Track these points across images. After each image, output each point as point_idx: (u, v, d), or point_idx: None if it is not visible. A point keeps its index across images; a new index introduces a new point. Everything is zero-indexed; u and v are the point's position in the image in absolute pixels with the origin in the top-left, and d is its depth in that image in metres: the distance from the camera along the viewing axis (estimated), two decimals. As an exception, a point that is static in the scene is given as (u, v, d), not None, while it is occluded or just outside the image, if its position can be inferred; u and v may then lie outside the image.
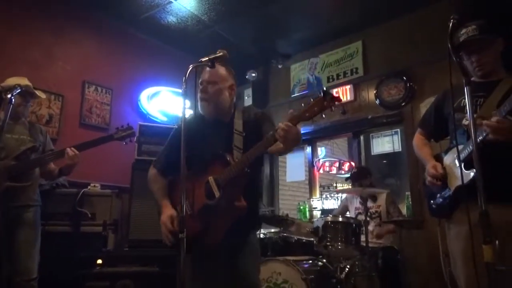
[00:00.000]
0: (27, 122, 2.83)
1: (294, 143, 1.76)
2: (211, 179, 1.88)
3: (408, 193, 4.51)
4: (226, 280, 1.95)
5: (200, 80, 2.07)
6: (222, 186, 1.85)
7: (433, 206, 2.09)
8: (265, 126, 2.06)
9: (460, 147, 1.87)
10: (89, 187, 3.60)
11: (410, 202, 4.41)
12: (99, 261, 3.26)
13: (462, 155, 1.85)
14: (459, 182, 1.81)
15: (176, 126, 2.27)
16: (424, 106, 4.34)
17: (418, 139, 2.28)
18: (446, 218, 2.03)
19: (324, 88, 1.67)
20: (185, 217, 1.60)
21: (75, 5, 4.42)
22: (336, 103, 1.69)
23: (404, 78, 4.52)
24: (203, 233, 1.87)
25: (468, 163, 1.78)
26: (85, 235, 3.36)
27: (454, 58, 1.44)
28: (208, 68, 2.01)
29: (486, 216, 1.25)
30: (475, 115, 1.74)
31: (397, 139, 4.90)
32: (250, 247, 2.01)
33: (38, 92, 2.88)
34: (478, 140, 1.70)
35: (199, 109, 2.07)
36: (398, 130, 4.86)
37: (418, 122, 2.43)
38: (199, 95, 2.04)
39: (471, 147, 1.77)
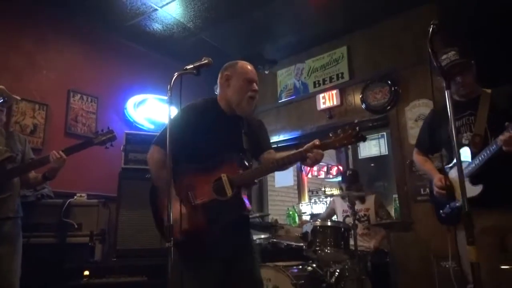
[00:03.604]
0: (3, 131, 2.74)
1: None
2: (224, 177, 1.89)
3: (395, 195, 4.55)
4: (229, 279, 1.93)
5: (249, 77, 2.08)
6: (236, 186, 1.88)
7: (442, 215, 2.31)
8: (263, 136, 2.22)
9: (465, 164, 2.11)
10: (75, 197, 3.54)
11: (398, 205, 4.45)
12: (86, 272, 3.21)
13: (468, 171, 2.10)
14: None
15: (182, 109, 2.05)
16: (409, 110, 4.41)
17: (418, 157, 2.52)
18: (455, 225, 2.20)
19: (357, 128, 1.78)
20: (172, 226, 1.60)
21: (58, 12, 4.37)
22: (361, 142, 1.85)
23: (389, 82, 4.57)
24: (205, 227, 1.88)
25: (474, 178, 2.06)
26: (72, 246, 3.29)
27: (434, 63, 1.47)
28: (250, 68, 2.11)
29: (468, 217, 1.27)
30: (471, 134, 2.13)
31: (383, 142, 4.96)
32: (252, 247, 2.06)
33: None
34: (489, 153, 2.00)
35: (245, 107, 2.05)
36: (384, 133, 4.92)
37: (415, 143, 2.65)
38: (253, 94, 2.05)
39: (476, 163, 2.06)
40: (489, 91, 2.21)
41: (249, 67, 2.13)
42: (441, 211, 2.32)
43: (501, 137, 1.92)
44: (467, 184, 2.05)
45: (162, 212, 1.93)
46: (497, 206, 1.97)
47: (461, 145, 2.16)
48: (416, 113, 4.35)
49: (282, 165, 1.94)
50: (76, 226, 3.34)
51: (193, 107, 2.07)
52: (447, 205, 2.26)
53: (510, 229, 1.99)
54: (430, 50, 1.46)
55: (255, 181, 2.02)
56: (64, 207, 3.34)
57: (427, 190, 4.07)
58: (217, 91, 2.16)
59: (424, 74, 4.08)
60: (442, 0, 4.19)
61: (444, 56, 2.22)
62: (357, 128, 1.76)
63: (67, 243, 3.28)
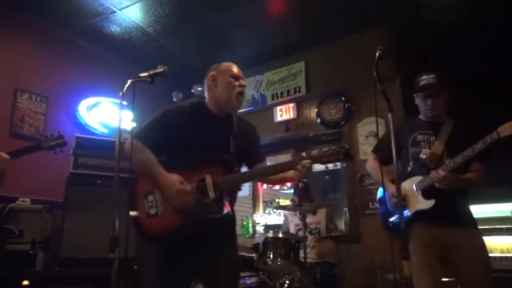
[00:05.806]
0: None
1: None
2: (208, 178, 1.84)
3: (345, 208, 4.69)
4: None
5: (235, 74, 2.08)
6: (220, 189, 1.84)
7: (390, 224, 2.41)
8: (255, 145, 2.21)
9: (420, 177, 2.25)
10: (17, 201, 3.36)
11: (348, 217, 4.60)
12: (25, 282, 3.04)
13: (422, 185, 2.23)
14: (417, 207, 2.22)
15: (169, 109, 2.05)
16: (361, 127, 4.59)
17: (373, 163, 2.55)
18: (400, 235, 2.29)
19: (346, 146, 1.90)
20: (117, 236, 1.56)
21: (6, 4, 4.13)
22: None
23: (343, 98, 4.74)
24: (182, 227, 1.82)
25: (426, 193, 2.19)
26: (11, 254, 3.12)
27: (379, 87, 1.57)
28: (235, 65, 2.11)
29: (405, 234, 1.35)
30: (429, 151, 2.25)
31: (336, 156, 5.10)
32: (233, 263, 1.99)
33: None
34: (430, 181, 2.17)
35: (235, 103, 2.04)
36: (338, 148, 5.07)
37: (373, 148, 2.70)
38: (241, 89, 2.05)
39: (429, 179, 2.18)
40: (453, 121, 2.34)
41: (234, 65, 2.14)
42: (389, 219, 2.41)
43: (436, 174, 2.12)
44: (420, 197, 2.21)
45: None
46: (443, 222, 2.13)
47: (419, 160, 2.29)
48: (367, 129, 4.54)
49: (269, 172, 1.95)
50: (17, 233, 3.17)
51: (180, 109, 2.05)
52: (396, 215, 2.34)
53: (452, 244, 2.12)
54: (375, 74, 1.55)
55: (240, 186, 2.02)
56: (4, 212, 3.17)
57: (376, 204, 4.28)
58: (205, 95, 2.13)
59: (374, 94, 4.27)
60: (394, 22, 4.41)
61: (424, 77, 2.35)
62: (346, 146, 1.91)
63: (7, 251, 3.10)
